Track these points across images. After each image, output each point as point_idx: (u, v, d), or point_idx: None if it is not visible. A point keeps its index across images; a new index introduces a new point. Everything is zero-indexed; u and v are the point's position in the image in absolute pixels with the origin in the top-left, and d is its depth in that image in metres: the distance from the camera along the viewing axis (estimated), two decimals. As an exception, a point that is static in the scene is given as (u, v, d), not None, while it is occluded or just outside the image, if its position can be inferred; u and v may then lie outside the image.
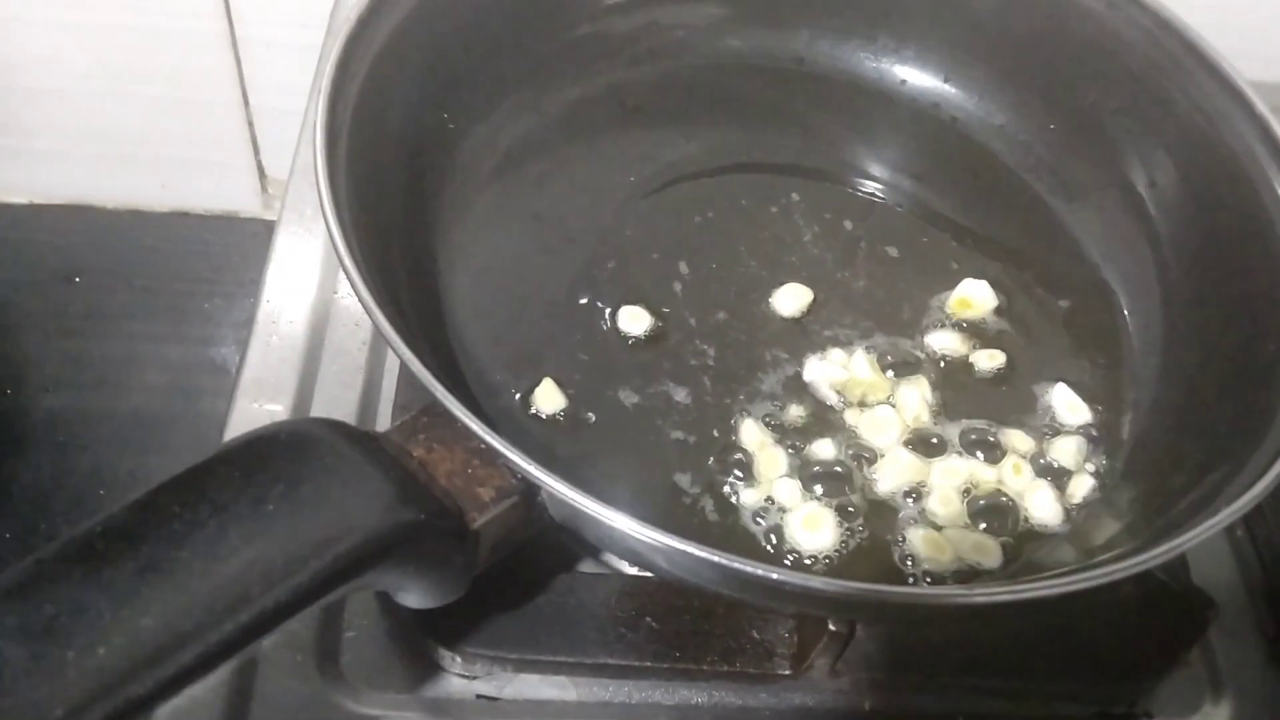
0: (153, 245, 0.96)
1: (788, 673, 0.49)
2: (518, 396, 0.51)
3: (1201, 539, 0.39)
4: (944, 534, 0.49)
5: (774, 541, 0.48)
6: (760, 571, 0.36)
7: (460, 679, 0.49)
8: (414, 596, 0.40)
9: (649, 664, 0.49)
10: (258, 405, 0.56)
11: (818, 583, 0.37)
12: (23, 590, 0.30)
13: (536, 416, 0.50)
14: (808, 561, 0.48)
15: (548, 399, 0.50)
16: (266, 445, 0.36)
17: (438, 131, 0.56)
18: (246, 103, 0.89)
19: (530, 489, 0.41)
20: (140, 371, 0.88)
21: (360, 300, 0.41)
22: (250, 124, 0.91)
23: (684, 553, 0.37)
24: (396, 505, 0.36)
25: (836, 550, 0.48)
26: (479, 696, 0.49)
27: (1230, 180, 0.53)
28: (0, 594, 0.30)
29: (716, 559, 0.36)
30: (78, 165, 0.95)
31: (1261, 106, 0.53)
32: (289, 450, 0.36)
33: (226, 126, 0.91)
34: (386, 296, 0.44)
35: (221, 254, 0.95)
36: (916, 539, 0.48)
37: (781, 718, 0.50)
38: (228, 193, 0.97)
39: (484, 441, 0.38)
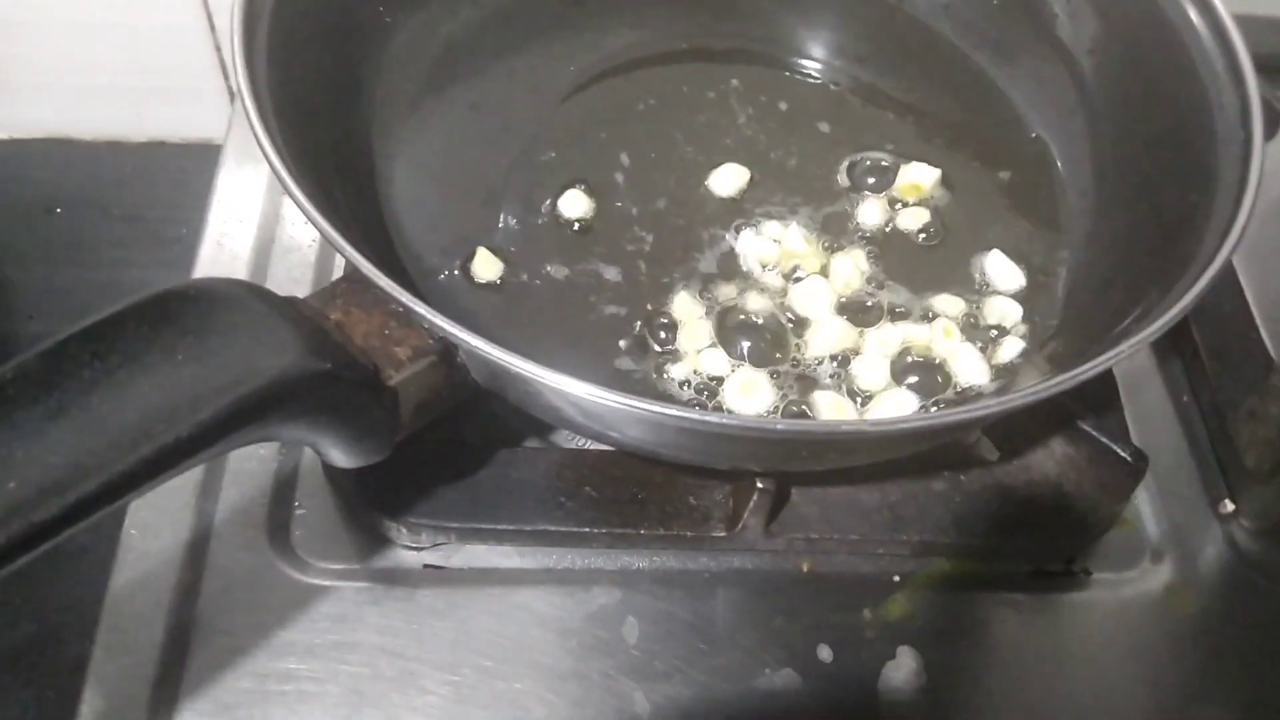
0: (130, 175, 0.97)
1: (723, 534, 0.50)
2: (450, 273, 0.52)
3: (1102, 367, 0.40)
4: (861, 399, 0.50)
5: (701, 404, 0.49)
6: (659, 410, 0.37)
7: (408, 550, 0.51)
8: (338, 453, 0.41)
9: (588, 529, 0.50)
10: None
11: (721, 419, 0.38)
12: (-66, 430, 0.32)
13: (468, 285, 0.51)
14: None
15: (482, 267, 0.51)
16: (178, 299, 0.37)
17: (371, 23, 0.57)
18: (212, 26, 0.90)
19: (448, 349, 0.42)
20: (121, 298, 0.89)
21: (272, 168, 0.42)
22: (218, 47, 0.91)
23: (597, 402, 0.38)
24: (305, 355, 0.37)
25: (770, 414, 0.49)
26: (426, 566, 0.51)
27: (1154, 32, 0.52)
28: (-86, 432, 0.32)
29: (617, 402, 0.37)
30: (53, 98, 0.96)
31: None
32: (201, 304, 0.37)
33: (195, 52, 0.91)
34: (313, 182, 0.45)
35: (198, 181, 0.94)
36: (824, 402, 0.49)
37: (720, 579, 0.51)
38: (200, 119, 0.97)
39: (398, 301, 0.39)
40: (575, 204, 0.55)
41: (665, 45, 0.63)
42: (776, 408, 0.49)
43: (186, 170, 0.96)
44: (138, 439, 0.33)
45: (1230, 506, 0.56)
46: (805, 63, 0.63)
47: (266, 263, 0.60)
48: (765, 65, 0.63)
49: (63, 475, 0.32)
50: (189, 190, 0.96)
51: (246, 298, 0.38)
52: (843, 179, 0.57)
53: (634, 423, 0.41)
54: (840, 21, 0.65)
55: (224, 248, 0.61)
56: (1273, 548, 0.55)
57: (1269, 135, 0.58)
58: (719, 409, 0.48)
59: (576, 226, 0.55)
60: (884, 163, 0.58)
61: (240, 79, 0.44)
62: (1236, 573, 0.54)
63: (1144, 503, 0.56)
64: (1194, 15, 0.52)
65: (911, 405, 0.48)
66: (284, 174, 0.41)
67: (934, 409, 0.49)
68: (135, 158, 0.97)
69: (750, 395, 0.48)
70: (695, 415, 0.37)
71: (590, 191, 0.56)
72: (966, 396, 0.49)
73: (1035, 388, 0.40)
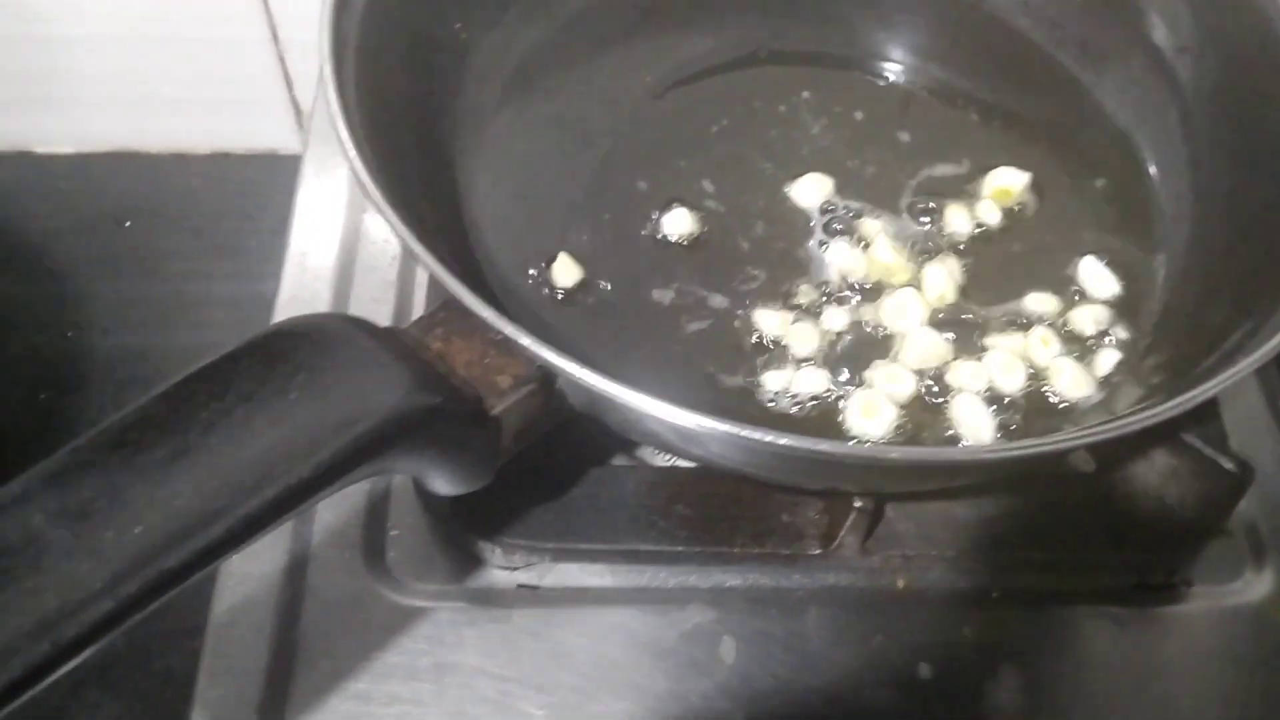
0: (197, 187, 0.98)
1: (818, 552, 0.50)
2: (531, 284, 0.52)
3: (1222, 387, 0.39)
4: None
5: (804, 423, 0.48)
6: (770, 439, 0.37)
7: (501, 570, 0.51)
8: (442, 482, 0.41)
9: (681, 549, 0.50)
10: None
11: (828, 447, 0.38)
12: (61, 477, 0.32)
13: (550, 298, 0.51)
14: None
15: (562, 273, 0.51)
16: (288, 338, 0.37)
17: (448, 41, 0.57)
18: (276, 38, 0.90)
19: (547, 376, 0.42)
20: (192, 309, 0.90)
21: (370, 198, 0.42)
22: (281, 59, 0.92)
23: (708, 431, 0.37)
24: (414, 390, 0.37)
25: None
26: (520, 586, 0.51)
27: (1253, 32, 0.51)
28: (40, 480, 0.32)
29: (729, 430, 0.37)
30: (120, 112, 0.97)
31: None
32: (309, 342, 0.37)
33: (258, 64, 0.92)
34: (401, 203, 0.45)
35: (264, 191, 0.96)
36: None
37: (814, 597, 0.51)
38: (265, 130, 0.98)
39: (498, 329, 0.39)
40: (679, 222, 0.54)
41: (739, 51, 0.62)
42: (898, 427, 0.48)
43: (252, 181, 0.97)
44: (260, 481, 0.33)
45: (1335, 514, 0.54)
46: (882, 65, 0.62)
47: (349, 281, 0.60)
48: (841, 69, 0.62)
49: (190, 520, 0.32)
50: (255, 201, 0.98)
51: (353, 333, 0.38)
52: (927, 186, 0.56)
53: (742, 450, 0.40)
54: (917, 22, 0.64)
55: (306, 267, 0.61)
56: (1378, 555, 0.53)
57: None
58: (834, 428, 0.48)
59: (662, 239, 0.54)
60: (968, 168, 0.57)
61: (333, 104, 0.44)
62: (1342, 581, 0.53)
63: (1244, 512, 0.54)
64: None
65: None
66: (385, 207, 0.41)
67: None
68: (201, 170, 0.98)
69: (873, 417, 0.48)
70: (812, 446, 0.36)
71: (692, 208, 0.55)
72: (1071, 416, 0.48)
73: (1156, 411, 0.39)
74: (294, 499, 0.34)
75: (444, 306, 0.43)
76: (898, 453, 0.38)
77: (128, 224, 0.96)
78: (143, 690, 0.72)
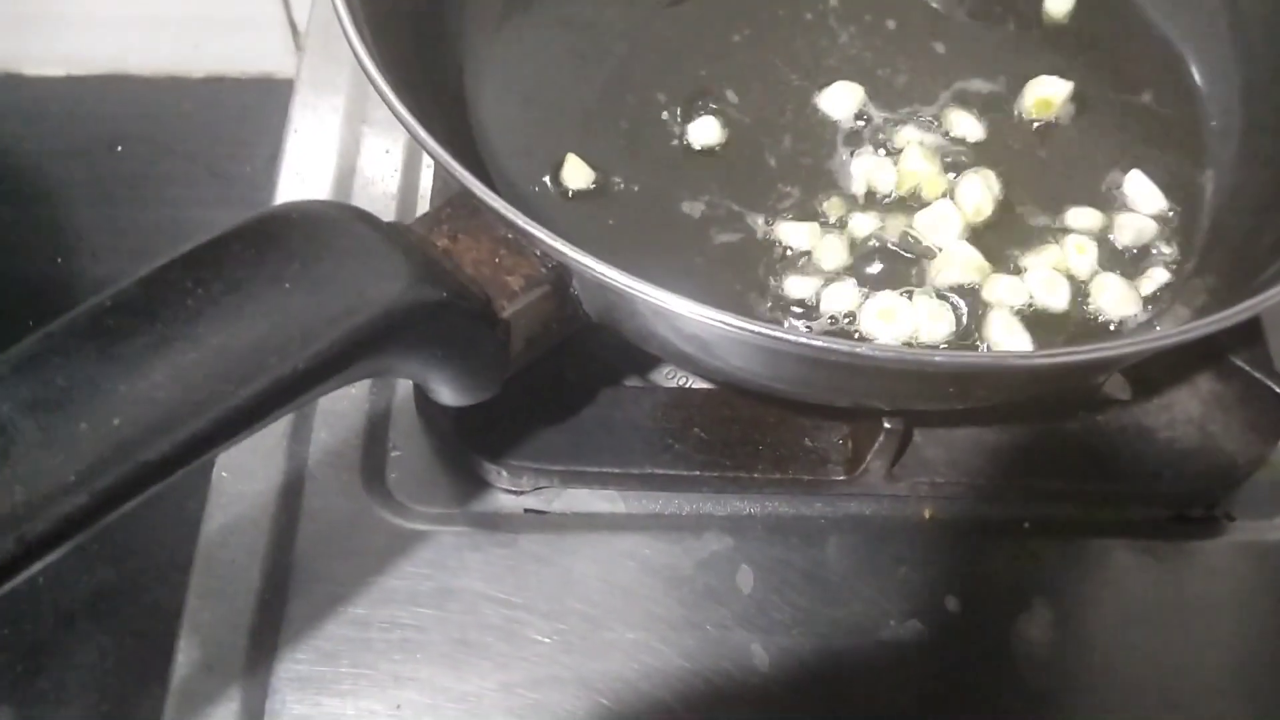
0: (191, 111, 0.94)
1: (842, 477, 0.47)
2: (540, 190, 0.49)
3: (1272, 302, 0.36)
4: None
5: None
6: (820, 344, 0.34)
7: (508, 494, 0.49)
8: (446, 389, 0.39)
9: (698, 473, 0.47)
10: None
11: (876, 350, 0.35)
12: (32, 364, 0.29)
13: (561, 203, 0.48)
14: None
15: (572, 175, 0.49)
16: (283, 223, 0.34)
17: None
18: (272, -46, 0.86)
19: (561, 278, 0.39)
20: (185, 237, 0.85)
21: (375, 87, 0.38)
22: (279, -21, 0.88)
23: (738, 334, 0.34)
24: (418, 283, 0.34)
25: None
26: (527, 511, 0.48)
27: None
28: (10, 368, 0.29)
29: (764, 332, 0.34)
30: (111, 34, 0.94)
31: None
32: (306, 228, 0.34)
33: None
34: (408, 101, 0.42)
35: (260, 116, 0.92)
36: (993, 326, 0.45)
37: (836, 526, 0.48)
38: (261, 54, 0.94)
39: (513, 225, 0.36)
40: (705, 130, 0.51)
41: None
42: (915, 335, 0.45)
43: (248, 106, 0.93)
44: (250, 373, 0.30)
45: (1383, 448, 0.52)
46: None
47: (348, 196, 0.57)
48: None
49: (172, 411, 0.29)
50: (251, 126, 0.94)
51: (354, 222, 0.35)
52: (963, 98, 0.53)
53: (768, 358, 0.38)
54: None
55: (304, 179, 0.58)
56: None
57: None
58: (854, 337, 0.45)
59: (684, 149, 0.51)
60: (1006, 81, 0.54)
61: (338, 4, 0.41)
62: (1390, 517, 0.50)
63: (1290, 442, 0.52)
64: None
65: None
66: (389, 94, 0.38)
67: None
68: (196, 94, 0.95)
69: (890, 321, 0.45)
70: (846, 347, 0.33)
71: (717, 115, 0.51)
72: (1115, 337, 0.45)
73: (1200, 324, 0.36)
74: (286, 393, 0.31)
75: (450, 203, 0.40)
76: (941, 356, 0.35)
77: (119, 148, 0.92)
78: (134, 623, 0.69)
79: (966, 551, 0.48)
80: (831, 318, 0.46)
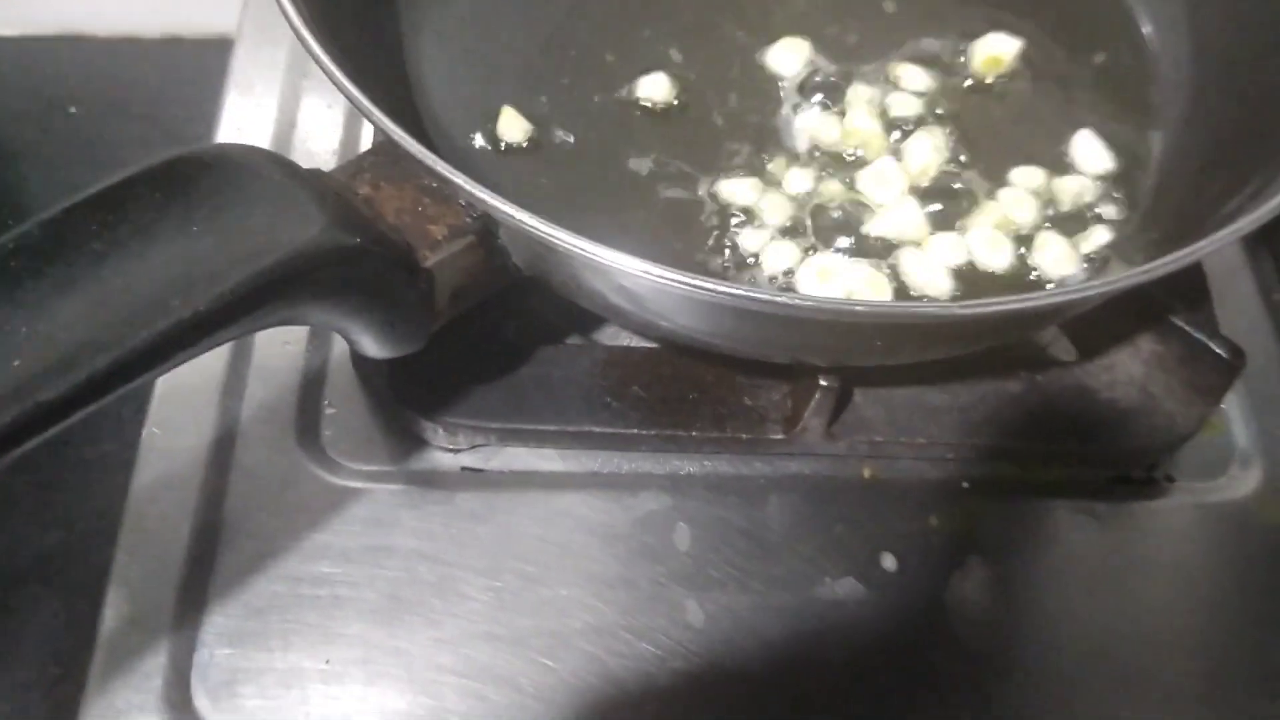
0: (147, 73, 0.93)
1: (781, 436, 0.47)
2: (476, 144, 0.48)
3: (1207, 251, 0.36)
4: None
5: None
6: (755, 295, 0.34)
7: (445, 452, 0.48)
8: (369, 340, 0.38)
9: (635, 431, 0.47)
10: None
11: (801, 300, 0.34)
12: (-72, 304, 0.29)
13: (497, 157, 0.48)
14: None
15: (508, 127, 0.48)
16: (193, 165, 0.33)
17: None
18: (228, -89, 0.85)
19: (487, 229, 0.38)
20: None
21: (300, 39, 0.38)
22: (235, -64, 0.86)
23: (663, 284, 0.34)
24: (332, 228, 0.33)
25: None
26: (464, 469, 0.48)
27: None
28: (-96, 307, 0.29)
29: (681, 280, 0.33)
30: (66, -8, 0.92)
31: None
32: (217, 171, 0.33)
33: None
34: (338, 52, 0.41)
35: (215, 78, 0.91)
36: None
37: (775, 485, 0.48)
38: (216, 14, 0.92)
39: (433, 171, 0.36)
40: (653, 86, 0.50)
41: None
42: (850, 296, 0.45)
43: (204, 68, 0.91)
44: (152, 313, 0.30)
45: (1325, 412, 0.52)
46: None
47: (287, 148, 0.56)
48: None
49: (71, 352, 0.29)
50: (207, 88, 0.92)
51: (267, 165, 0.34)
52: (912, 56, 0.52)
53: (698, 308, 0.37)
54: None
55: (243, 133, 0.57)
56: (1370, 454, 0.51)
57: None
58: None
59: (628, 105, 0.50)
60: (957, 38, 0.53)
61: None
62: (1329, 479, 0.50)
63: (1231, 406, 0.52)
64: None
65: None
66: (310, 40, 0.38)
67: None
68: (152, 54, 0.93)
69: (827, 280, 0.44)
70: (769, 296, 0.33)
71: (666, 72, 0.51)
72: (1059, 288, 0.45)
73: (1129, 274, 0.36)
74: (190, 334, 0.30)
75: (374, 151, 0.39)
76: (860, 306, 0.35)
77: (73, 110, 0.91)
78: (81, 584, 0.68)
79: (905, 510, 0.48)
80: (771, 276, 0.45)
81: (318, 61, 0.37)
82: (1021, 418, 0.49)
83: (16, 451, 0.28)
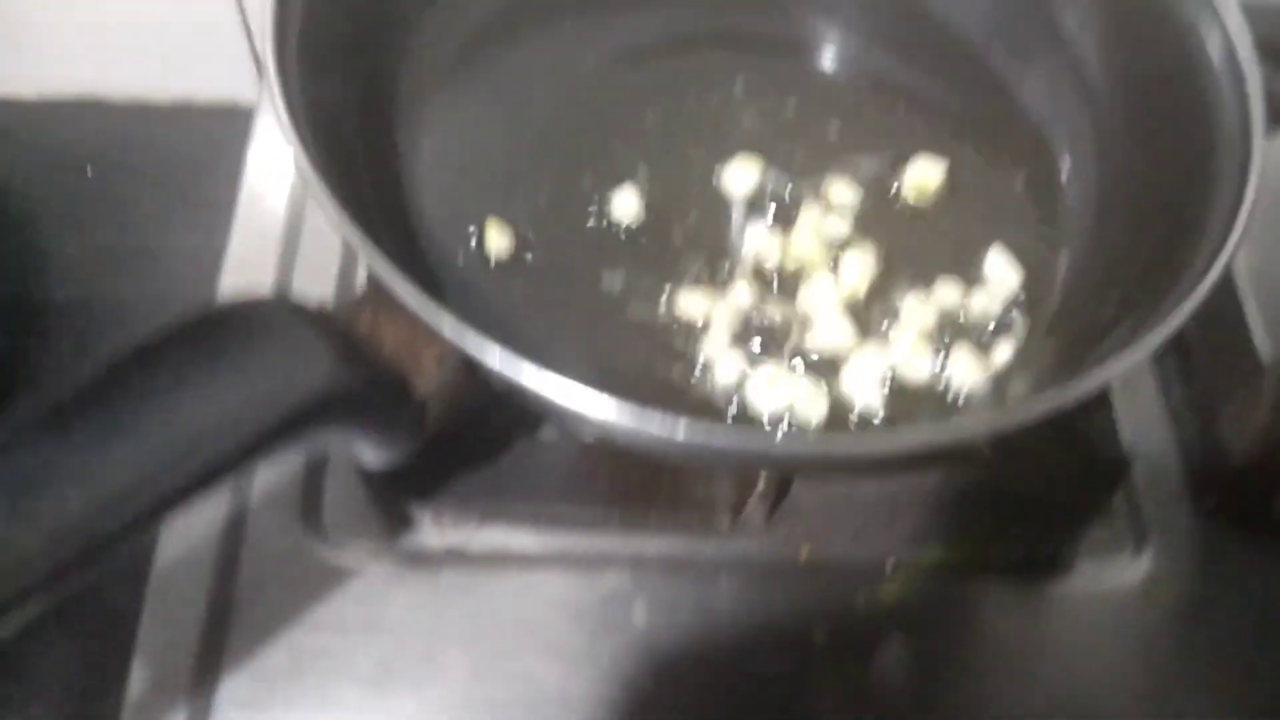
0: (159, 137, 0.99)
1: (727, 523, 0.53)
2: (466, 255, 0.54)
3: (1104, 383, 0.42)
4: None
5: (734, 405, 0.52)
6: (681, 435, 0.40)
7: (432, 533, 0.54)
8: (370, 455, 0.44)
9: (602, 515, 0.53)
10: (243, 281, 0.60)
11: (724, 441, 0.41)
12: (3, 449, 0.35)
13: (484, 268, 0.54)
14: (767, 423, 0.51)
15: (495, 240, 0.54)
16: (218, 320, 0.39)
17: (396, 14, 0.58)
18: (237, -8, 0.91)
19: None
20: (151, 261, 0.91)
21: (301, 173, 0.44)
22: (242, 11, 0.93)
23: (612, 425, 0.40)
24: (338, 372, 0.40)
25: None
26: (449, 549, 0.54)
27: (1162, 35, 0.53)
28: (-17, 451, 0.35)
29: (638, 426, 0.40)
30: (83, 58, 0.98)
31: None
32: (239, 323, 0.39)
33: (221, 17, 0.93)
34: (339, 174, 0.47)
35: (225, 143, 0.97)
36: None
37: (724, 566, 0.54)
38: (227, 82, 0.99)
39: (416, 315, 0.41)
40: (624, 204, 0.57)
41: (683, 32, 0.64)
42: (791, 409, 0.51)
43: (214, 134, 0.98)
44: (187, 455, 0.36)
45: (1213, 501, 0.58)
46: (819, 53, 0.64)
47: (298, 233, 0.62)
48: (780, 55, 0.64)
49: (121, 491, 0.35)
50: (218, 153, 0.98)
51: (282, 315, 0.41)
52: (851, 174, 0.59)
53: (646, 440, 0.43)
54: (855, 9, 0.66)
55: (256, 216, 0.63)
56: (1250, 542, 0.57)
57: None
58: (743, 407, 0.51)
59: (599, 222, 0.56)
60: (892, 158, 0.60)
61: (273, 85, 0.46)
62: (1215, 565, 0.57)
63: (1130, 493, 0.58)
64: (1204, 25, 0.53)
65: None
66: (315, 181, 0.43)
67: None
68: (164, 119, 0.99)
69: (774, 387, 0.51)
70: (700, 437, 0.39)
71: (635, 189, 0.57)
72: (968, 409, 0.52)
73: (1040, 405, 0.43)
74: (218, 472, 0.36)
75: (374, 283, 0.45)
76: (777, 448, 0.41)
77: (89, 172, 0.97)
78: (96, 628, 0.74)
79: (836, 590, 0.54)
80: (725, 387, 0.52)
81: (322, 206, 0.43)
82: (942, 505, 0.55)
83: (74, 580, 0.34)
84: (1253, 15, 0.52)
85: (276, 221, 0.63)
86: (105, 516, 0.34)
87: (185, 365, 0.38)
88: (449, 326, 0.41)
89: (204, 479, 0.36)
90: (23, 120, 0.99)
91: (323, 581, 0.52)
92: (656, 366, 0.52)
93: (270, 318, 0.40)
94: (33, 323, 0.88)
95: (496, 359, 0.40)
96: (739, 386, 0.52)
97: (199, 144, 1.00)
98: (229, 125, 1.00)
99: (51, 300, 0.89)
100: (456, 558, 0.54)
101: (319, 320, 0.42)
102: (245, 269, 0.62)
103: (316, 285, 0.61)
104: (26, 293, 0.89)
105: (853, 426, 0.51)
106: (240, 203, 0.64)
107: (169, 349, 0.38)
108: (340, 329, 0.42)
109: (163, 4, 0.93)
